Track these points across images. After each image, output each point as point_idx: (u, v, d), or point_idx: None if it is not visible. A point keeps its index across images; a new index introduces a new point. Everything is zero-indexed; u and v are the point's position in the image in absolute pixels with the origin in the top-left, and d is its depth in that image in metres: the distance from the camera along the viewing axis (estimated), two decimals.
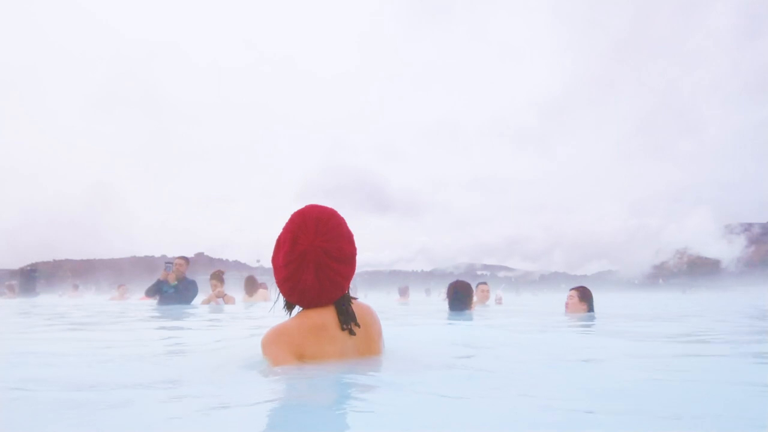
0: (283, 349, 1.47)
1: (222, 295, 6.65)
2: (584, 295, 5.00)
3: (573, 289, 5.15)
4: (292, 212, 1.57)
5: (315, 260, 1.48)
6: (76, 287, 16.71)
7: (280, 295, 1.59)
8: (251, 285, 7.84)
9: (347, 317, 1.53)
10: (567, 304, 5.08)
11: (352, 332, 1.52)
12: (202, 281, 7.32)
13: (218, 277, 6.84)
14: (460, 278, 5.53)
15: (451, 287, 5.16)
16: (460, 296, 5.04)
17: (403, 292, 11.73)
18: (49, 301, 10.87)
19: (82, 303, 9.16)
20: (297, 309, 1.60)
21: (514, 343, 2.72)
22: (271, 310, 1.63)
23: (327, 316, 1.53)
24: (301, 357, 1.47)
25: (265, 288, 7.91)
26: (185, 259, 6.52)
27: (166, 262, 6.36)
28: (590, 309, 4.97)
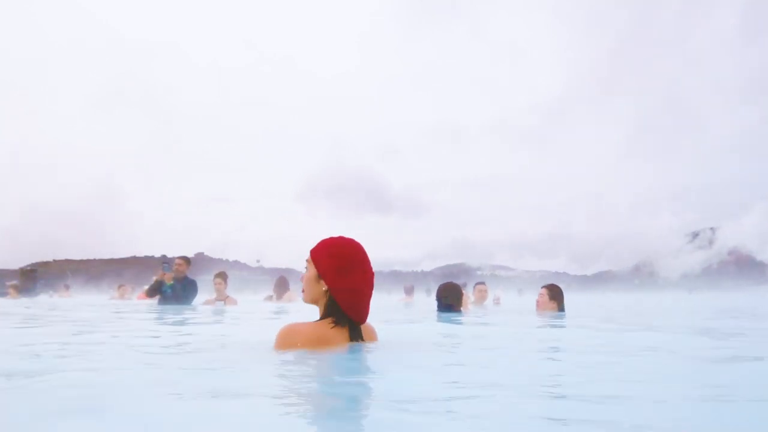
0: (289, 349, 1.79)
1: (224, 298, 6.64)
2: (554, 294, 5.02)
3: (544, 287, 5.14)
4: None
5: (372, 286, 1.94)
6: (67, 287, 16.69)
7: (331, 302, 1.87)
8: (282, 287, 7.42)
9: (356, 334, 1.90)
10: (538, 302, 5.08)
11: None
12: (202, 282, 7.29)
13: (223, 276, 6.77)
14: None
15: (440, 289, 5.09)
16: (448, 298, 5.00)
17: (409, 291, 11.66)
18: (39, 301, 10.85)
19: (72, 303, 9.16)
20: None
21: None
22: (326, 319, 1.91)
23: (340, 329, 1.86)
24: None
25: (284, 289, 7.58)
26: (185, 259, 6.51)
27: (163, 263, 6.37)
28: (560, 307, 4.98)
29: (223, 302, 6.56)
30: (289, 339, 1.80)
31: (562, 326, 3.93)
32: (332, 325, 1.84)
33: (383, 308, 7.23)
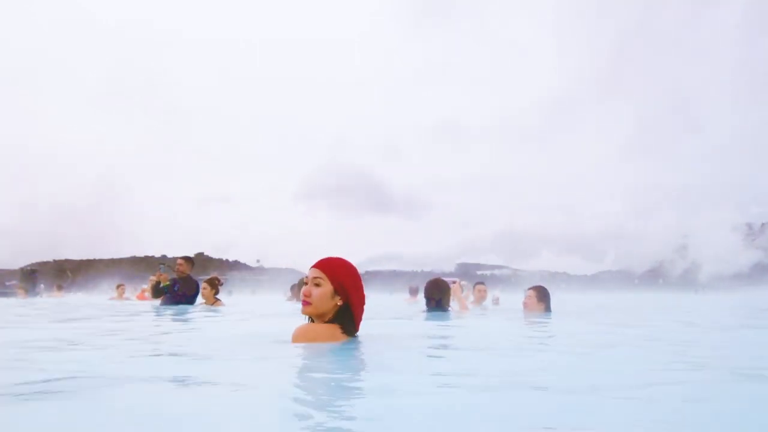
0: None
1: (212, 302, 6.62)
2: (542, 295, 5.05)
3: (531, 288, 5.15)
4: (330, 257, 2.24)
5: None
6: (60, 287, 16.78)
7: (344, 314, 2.22)
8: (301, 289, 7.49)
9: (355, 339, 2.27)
10: (525, 303, 5.09)
11: None
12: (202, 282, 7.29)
13: (211, 282, 6.74)
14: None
15: (427, 287, 4.92)
16: (435, 295, 4.88)
17: (413, 292, 11.60)
18: (33, 300, 10.86)
19: (67, 302, 9.18)
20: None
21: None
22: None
23: (345, 335, 2.20)
24: None
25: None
26: (186, 258, 6.50)
27: (160, 263, 6.39)
28: (548, 308, 5.01)
29: (213, 306, 6.56)
30: (310, 334, 2.11)
31: (546, 323, 4.00)
32: (341, 330, 2.17)
33: (387, 309, 7.23)
